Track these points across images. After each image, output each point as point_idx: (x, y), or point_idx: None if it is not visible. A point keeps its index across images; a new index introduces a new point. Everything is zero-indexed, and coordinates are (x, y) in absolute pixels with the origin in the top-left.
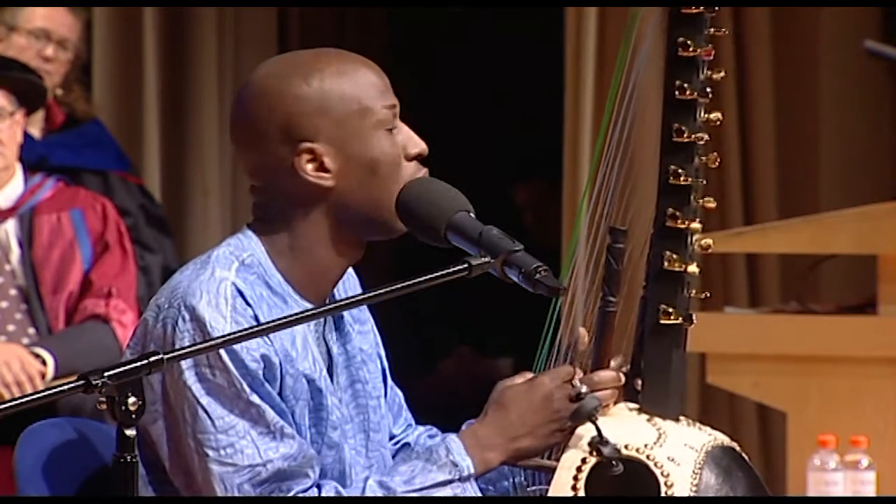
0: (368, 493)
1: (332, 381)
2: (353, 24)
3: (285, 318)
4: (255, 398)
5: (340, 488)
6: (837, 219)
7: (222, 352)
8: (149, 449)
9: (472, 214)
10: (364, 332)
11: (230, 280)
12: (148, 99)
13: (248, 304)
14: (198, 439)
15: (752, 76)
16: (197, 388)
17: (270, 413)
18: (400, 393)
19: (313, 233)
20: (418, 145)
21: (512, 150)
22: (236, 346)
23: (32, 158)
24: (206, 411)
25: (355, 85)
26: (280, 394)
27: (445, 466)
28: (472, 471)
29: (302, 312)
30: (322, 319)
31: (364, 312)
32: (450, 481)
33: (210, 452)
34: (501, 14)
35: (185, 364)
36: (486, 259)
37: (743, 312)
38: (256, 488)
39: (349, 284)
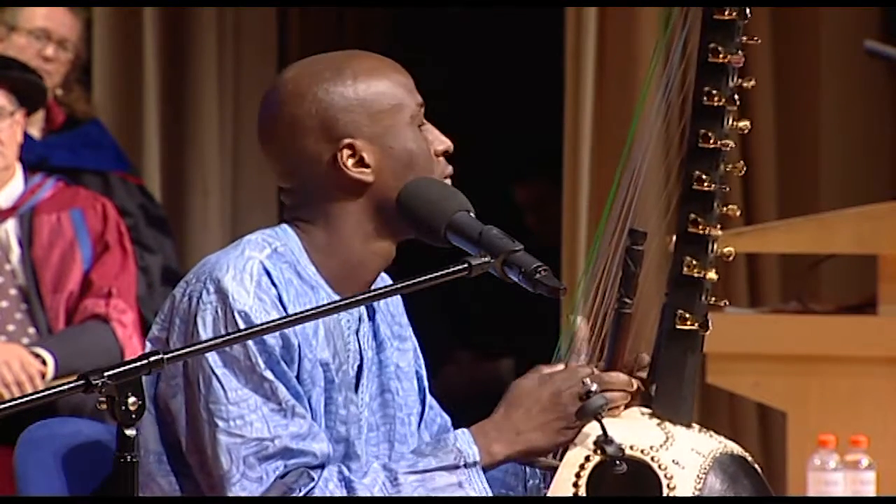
0: (370, 475)
1: (358, 381)
2: (353, 24)
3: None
4: (268, 374)
5: (345, 469)
6: (837, 219)
7: (241, 325)
8: (168, 428)
9: (472, 214)
10: (404, 349)
11: (259, 259)
12: (148, 99)
13: (273, 284)
14: (210, 409)
15: (753, 76)
16: (214, 359)
17: (283, 391)
18: (447, 418)
19: (351, 228)
20: (444, 142)
21: (512, 150)
22: (256, 321)
23: (32, 158)
24: (220, 382)
25: (388, 82)
26: (298, 377)
27: (451, 453)
28: (477, 458)
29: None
30: (356, 319)
31: (406, 330)
32: (454, 466)
33: (220, 423)
34: (501, 14)
35: (203, 334)
36: (486, 259)
37: (743, 312)
38: (262, 462)
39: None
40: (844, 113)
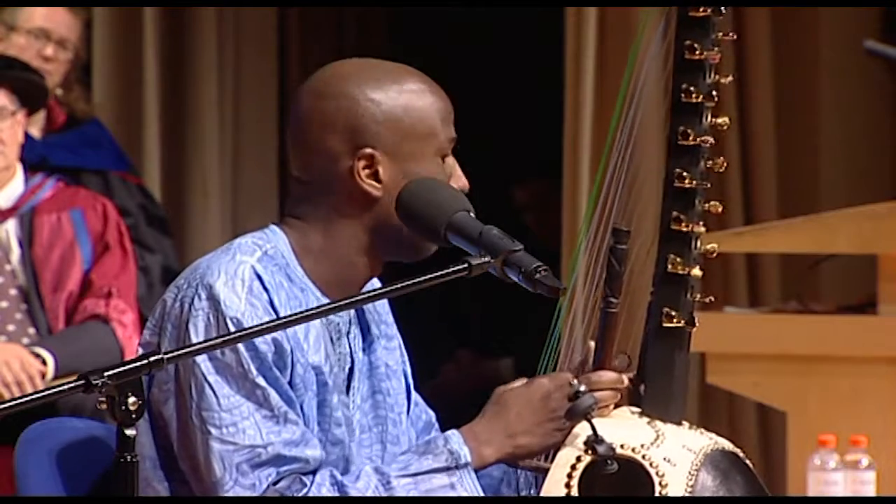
0: (363, 479)
1: (349, 383)
2: (352, 23)
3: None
4: (261, 380)
5: (337, 473)
6: (837, 219)
7: (233, 330)
8: (161, 432)
9: (472, 214)
10: (391, 348)
11: (250, 264)
12: (148, 99)
13: (265, 288)
14: (202, 416)
15: (752, 76)
16: (206, 366)
17: (275, 397)
18: (431, 413)
19: (347, 239)
20: (460, 180)
21: (512, 150)
22: (248, 327)
23: (33, 158)
24: (212, 389)
25: (427, 107)
26: (290, 382)
27: (442, 454)
28: (469, 459)
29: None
30: (348, 321)
31: (392, 329)
32: (447, 468)
33: (213, 430)
34: (501, 14)
35: (195, 340)
36: (486, 259)
37: (743, 312)
38: (255, 469)
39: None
40: (844, 113)
